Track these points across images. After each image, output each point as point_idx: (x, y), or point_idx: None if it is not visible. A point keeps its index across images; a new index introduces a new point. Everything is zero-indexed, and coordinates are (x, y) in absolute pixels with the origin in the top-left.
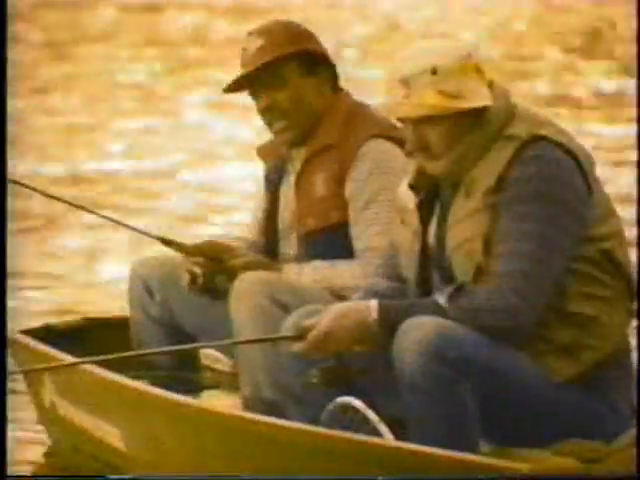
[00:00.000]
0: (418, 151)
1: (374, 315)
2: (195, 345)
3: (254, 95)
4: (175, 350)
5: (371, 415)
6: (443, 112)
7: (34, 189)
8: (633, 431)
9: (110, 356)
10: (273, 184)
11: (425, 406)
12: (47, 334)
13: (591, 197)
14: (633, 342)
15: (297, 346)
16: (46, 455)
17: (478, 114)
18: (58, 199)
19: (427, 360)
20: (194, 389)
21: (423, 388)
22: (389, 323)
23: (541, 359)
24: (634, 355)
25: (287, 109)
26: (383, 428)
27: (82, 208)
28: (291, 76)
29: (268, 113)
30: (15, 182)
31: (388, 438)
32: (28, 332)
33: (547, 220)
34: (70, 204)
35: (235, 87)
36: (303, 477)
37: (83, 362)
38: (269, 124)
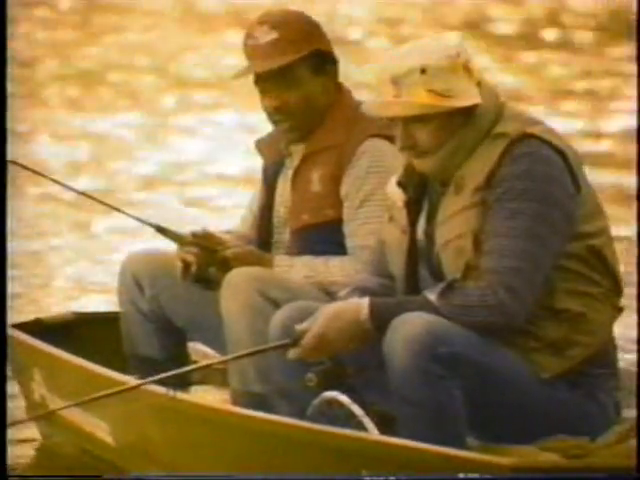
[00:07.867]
0: (408, 149)
1: (365, 313)
2: (202, 364)
3: (260, 86)
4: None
5: (356, 410)
6: (433, 111)
7: (38, 172)
8: (618, 428)
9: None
10: (270, 178)
11: (414, 402)
12: (38, 328)
13: (579, 195)
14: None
15: (293, 352)
16: (38, 450)
17: (467, 112)
18: (59, 183)
19: (416, 356)
20: (184, 384)
21: (412, 384)
22: (381, 320)
23: (529, 355)
24: (620, 354)
25: (296, 110)
26: (368, 422)
27: (84, 194)
28: (303, 76)
29: (277, 113)
30: (24, 166)
31: (373, 432)
32: (19, 326)
33: (536, 217)
34: (71, 189)
35: (242, 74)
36: (289, 473)
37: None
38: (274, 122)
